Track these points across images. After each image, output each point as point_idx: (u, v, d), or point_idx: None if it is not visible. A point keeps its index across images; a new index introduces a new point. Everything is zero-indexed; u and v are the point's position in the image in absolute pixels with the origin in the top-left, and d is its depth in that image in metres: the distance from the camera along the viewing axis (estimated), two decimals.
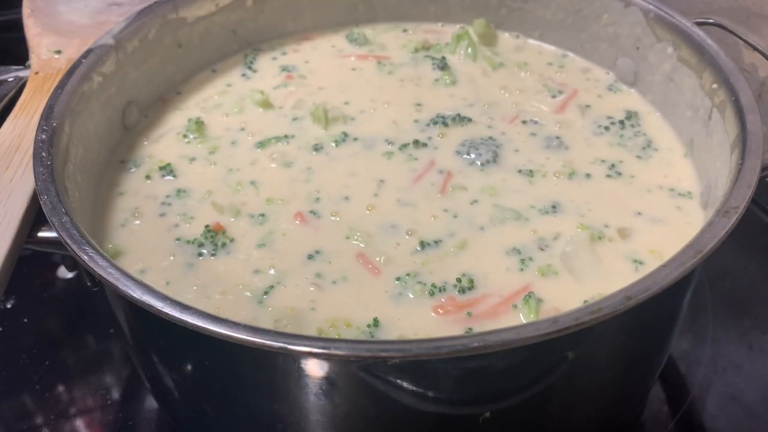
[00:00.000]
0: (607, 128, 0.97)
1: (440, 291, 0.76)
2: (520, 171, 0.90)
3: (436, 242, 0.81)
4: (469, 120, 0.98)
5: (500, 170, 0.90)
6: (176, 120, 1.01)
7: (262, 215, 0.85)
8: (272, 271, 0.79)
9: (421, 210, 0.85)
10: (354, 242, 0.81)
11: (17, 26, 1.10)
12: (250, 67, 1.10)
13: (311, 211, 0.85)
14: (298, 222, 0.84)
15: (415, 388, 0.64)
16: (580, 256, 0.79)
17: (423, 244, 0.81)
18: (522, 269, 0.78)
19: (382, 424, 0.68)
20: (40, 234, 0.76)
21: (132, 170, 0.93)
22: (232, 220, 0.85)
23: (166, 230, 0.84)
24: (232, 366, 0.67)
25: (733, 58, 0.88)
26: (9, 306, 1.05)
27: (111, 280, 0.64)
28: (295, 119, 1.00)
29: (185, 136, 0.97)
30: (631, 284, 0.62)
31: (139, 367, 0.86)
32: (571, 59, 1.11)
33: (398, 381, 0.63)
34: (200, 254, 0.81)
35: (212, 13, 1.07)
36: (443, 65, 1.08)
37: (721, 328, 0.99)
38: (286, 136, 0.96)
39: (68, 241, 0.68)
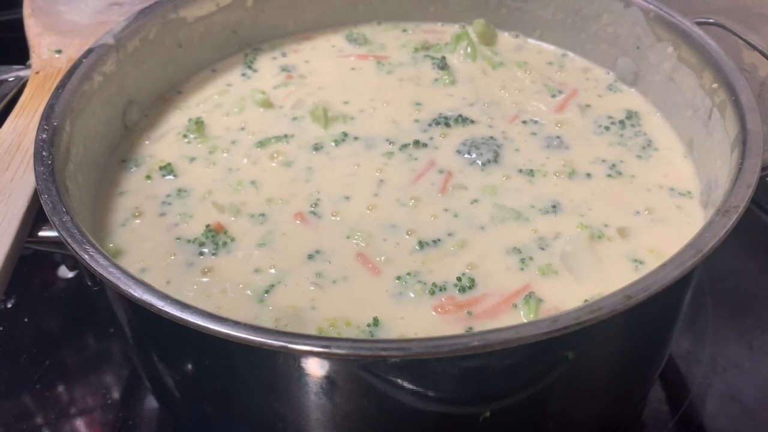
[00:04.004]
0: (607, 128, 0.97)
1: (440, 290, 0.76)
2: (520, 170, 0.90)
3: (435, 242, 0.81)
4: (472, 121, 0.98)
5: (501, 170, 0.91)
6: (176, 120, 1.01)
7: (263, 215, 0.85)
8: (273, 271, 0.79)
9: (421, 209, 0.85)
10: (354, 242, 0.81)
11: (18, 26, 1.10)
12: (250, 67, 1.10)
13: (311, 211, 0.86)
14: (298, 222, 0.84)
15: (415, 388, 0.64)
16: (580, 256, 0.79)
17: (423, 244, 0.81)
18: (522, 268, 0.78)
19: (382, 423, 0.69)
20: (41, 233, 0.77)
21: (132, 170, 0.93)
22: (233, 219, 0.85)
23: (167, 229, 0.84)
24: (232, 365, 0.67)
25: (733, 57, 0.88)
26: (9, 306, 1.05)
27: (112, 279, 0.64)
28: (294, 119, 1.00)
29: (185, 135, 0.97)
30: (631, 283, 0.62)
31: (139, 366, 0.86)
32: (571, 59, 1.11)
33: (398, 380, 0.63)
34: (201, 253, 0.81)
35: (212, 13, 1.07)
36: (443, 65, 1.08)
37: (721, 328, 0.99)
38: (286, 136, 0.97)
39: (69, 240, 0.68)
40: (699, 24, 0.94)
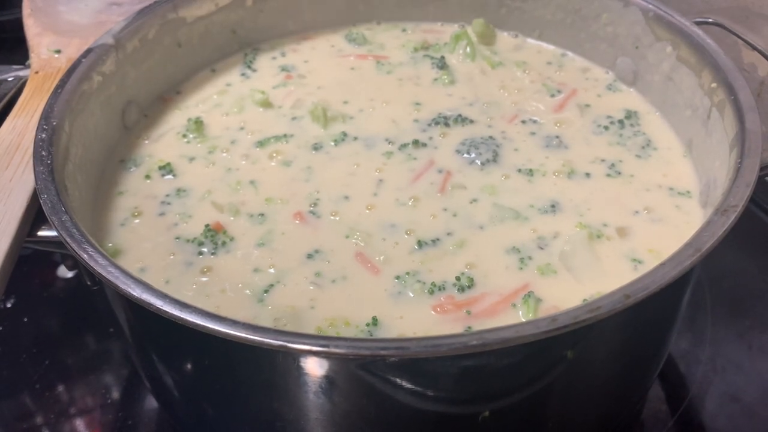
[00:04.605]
0: (606, 127, 0.97)
1: (440, 290, 0.76)
2: (519, 170, 0.90)
3: (434, 241, 0.81)
4: (471, 121, 0.98)
5: (500, 169, 0.91)
6: (176, 119, 1.01)
7: (262, 214, 0.86)
8: (272, 270, 0.79)
9: (420, 209, 0.85)
10: (353, 241, 0.81)
11: (17, 26, 1.11)
12: (249, 67, 1.10)
13: (310, 211, 0.86)
14: (297, 221, 0.84)
15: (414, 387, 0.64)
16: (579, 255, 0.79)
17: (422, 243, 0.81)
18: (521, 268, 0.78)
19: (381, 422, 0.69)
20: (40, 233, 0.77)
21: (132, 169, 0.93)
22: (232, 219, 0.85)
23: (166, 229, 0.84)
24: (231, 364, 0.67)
25: (732, 57, 0.88)
26: (9, 306, 1.05)
27: (111, 278, 0.64)
28: (294, 119, 1.00)
29: (185, 135, 0.98)
30: (629, 283, 0.62)
31: (139, 366, 0.86)
32: (571, 58, 1.11)
33: (397, 379, 0.63)
34: (200, 253, 0.81)
35: (212, 13, 1.07)
36: (442, 65, 1.08)
37: (720, 328, 0.99)
38: (285, 136, 0.97)
39: (68, 239, 0.68)
40: (698, 24, 0.94)
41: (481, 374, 0.65)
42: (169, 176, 0.92)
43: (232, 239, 0.82)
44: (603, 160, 0.92)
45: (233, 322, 0.59)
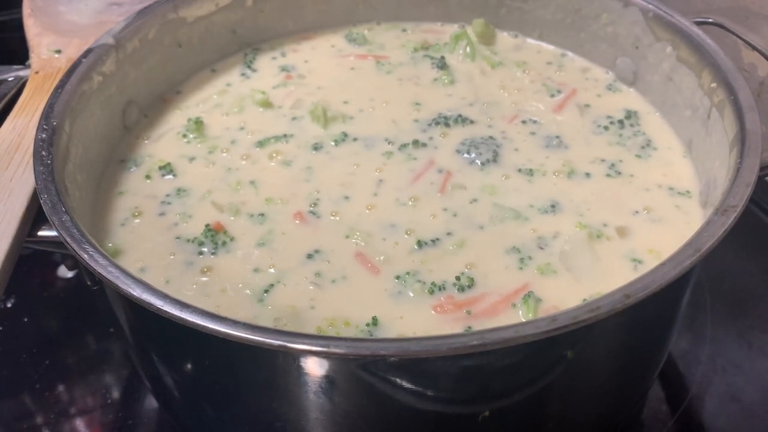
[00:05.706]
0: (606, 128, 0.97)
1: (440, 290, 0.76)
2: (519, 170, 0.90)
3: (434, 241, 0.81)
4: (471, 121, 0.98)
5: (500, 169, 0.91)
6: (176, 119, 1.01)
7: (262, 214, 0.86)
8: (272, 270, 0.79)
9: (420, 209, 0.85)
10: (353, 241, 0.81)
11: (17, 26, 1.11)
12: (249, 67, 1.10)
13: (311, 211, 0.86)
14: (297, 221, 0.84)
15: (414, 387, 0.65)
16: (579, 255, 0.79)
17: (422, 243, 0.81)
18: (521, 268, 0.78)
19: (381, 422, 0.69)
20: (41, 233, 0.77)
21: (132, 169, 0.93)
22: (232, 219, 0.85)
23: (166, 229, 0.84)
24: (231, 364, 0.68)
25: (732, 57, 0.88)
26: (9, 305, 1.05)
27: (111, 278, 0.64)
28: (294, 119, 1.00)
29: (185, 135, 0.98)
30: (629, 283, 0.62)
31: (139, 366, 0.86)
32: (571, 59, 1.11)
33: (397, 379, 0.63)
34: (200, 253, 0.81)
35: (212, 13, 1.07)
36: (442, 65, 1.08)
37: (720, 328, 0.99)
38: (285, 136, 0.97)
39: (68, 239, 0.68)
40: (698, 24, 0.94)
41: (481, 374, 0.65)
42: (169, 176, 0.92)
43: (232, 239, 0.82)
44: (603, 160, 0.92)
45: (233, 322, 0.60)
